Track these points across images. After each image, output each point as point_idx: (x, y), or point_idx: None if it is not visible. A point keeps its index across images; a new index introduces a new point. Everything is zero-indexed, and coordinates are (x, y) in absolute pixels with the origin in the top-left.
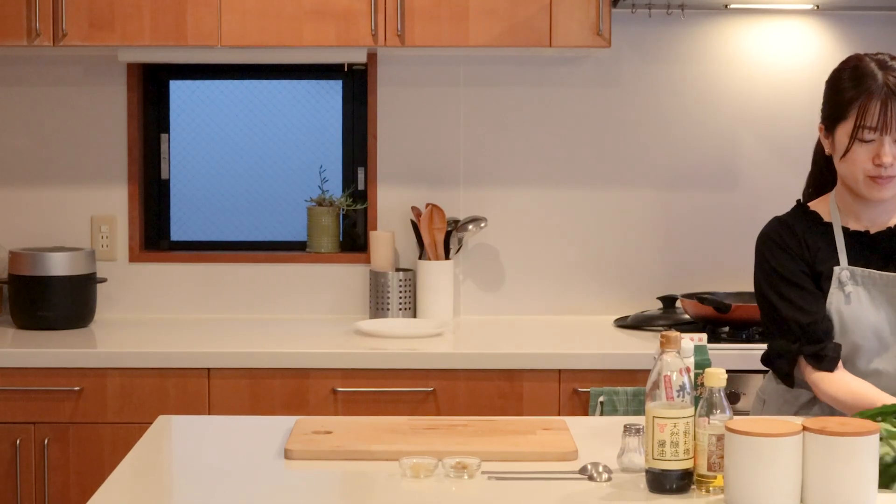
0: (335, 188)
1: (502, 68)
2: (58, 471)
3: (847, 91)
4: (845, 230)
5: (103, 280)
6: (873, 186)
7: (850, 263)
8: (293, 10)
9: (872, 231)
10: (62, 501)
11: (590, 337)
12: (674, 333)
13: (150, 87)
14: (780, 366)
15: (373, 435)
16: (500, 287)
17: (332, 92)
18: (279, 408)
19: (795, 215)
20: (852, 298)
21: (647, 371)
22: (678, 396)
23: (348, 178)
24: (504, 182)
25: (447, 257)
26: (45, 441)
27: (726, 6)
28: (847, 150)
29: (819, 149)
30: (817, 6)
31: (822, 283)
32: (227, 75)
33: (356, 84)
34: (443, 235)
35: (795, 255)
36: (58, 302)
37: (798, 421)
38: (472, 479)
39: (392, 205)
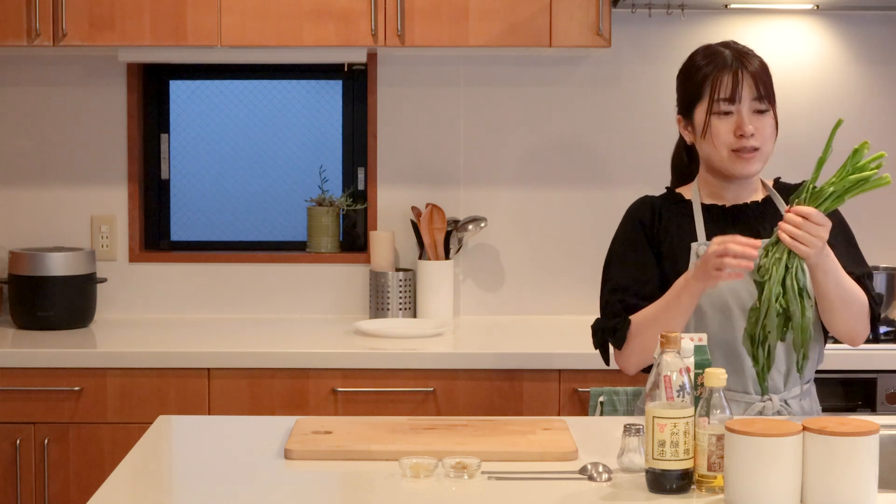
0: (335, 188)
1: (502, 68)
2: (58, 471)
3: (699, 71)
4: (703, 206)
5: (103, 280)
6: (738, 161)
7: (708, 238)
8: (293, 10)
9: (729, 206)
10: (62, 501)
11: (589, 337)
12: (674, 333)
13: (150, 87)
14: (595, 341)
15: (373, 435)
16: (500, 287)
17: (332, 92)
18: (279, 408)
19: (662, 196)
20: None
21: (648, 371)
22: (678, 396)
23: (348, 178)
24: (504, 182)
25: (447, 257)
26: (45, 441)
27: (726, 6)
28: (706, 127)
29: (677, 153)
30: (817, 6)
31: (678, 258)
32: (227, 75)
33: (356, 84)
34: (443, 235)
35: (641, 226)
36: (58, 302)
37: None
38: (472, 479)
39: (392, 205)
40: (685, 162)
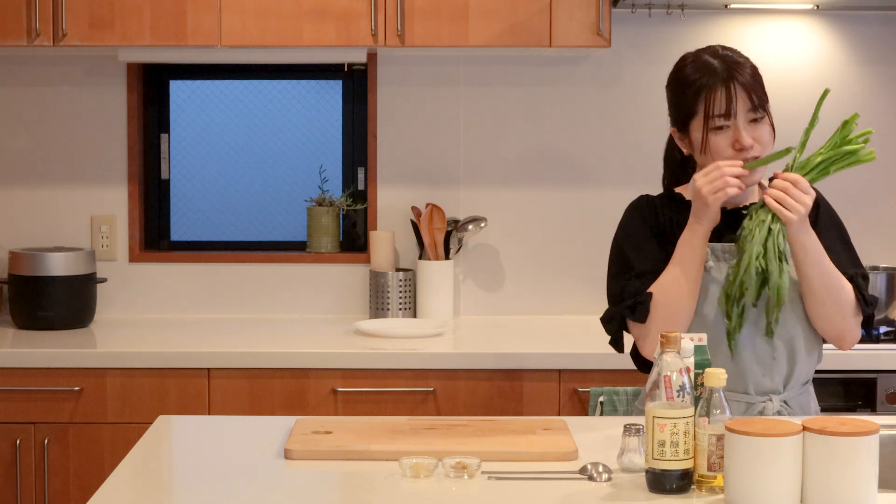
0: (335, 188)
1: (502, 68)
2: (58, 471)
3: (691, 86)
4: None
5: (103, 280)
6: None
7: (712, 240)
8: (293, 10)
9: (728, 208)
10: (62, 501)
11: (590, 337)
12: (674, 333)
13: (150, 87)
14: (609, 329)
15: (373, 435)
16: (500, 287)
17: (332, 92)
18: (279, 408)
19: (660, 196)
20: (713, 272)
21: (648, 371)
22: (678, 396)
23: (348, 178)
24: (504, 182)
25: (447, 257)
26: (45, 441)
27: (726, 6)
28: (705, 144)
29: (669, 153)
30: (817, 6)
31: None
32: (227, 75)
33: (356, 84)
34: (443, 235)
35: (646, 221)
36: (58, 302)
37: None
38: (472, 479)
39: (392, 205)
40: (678, 159)
